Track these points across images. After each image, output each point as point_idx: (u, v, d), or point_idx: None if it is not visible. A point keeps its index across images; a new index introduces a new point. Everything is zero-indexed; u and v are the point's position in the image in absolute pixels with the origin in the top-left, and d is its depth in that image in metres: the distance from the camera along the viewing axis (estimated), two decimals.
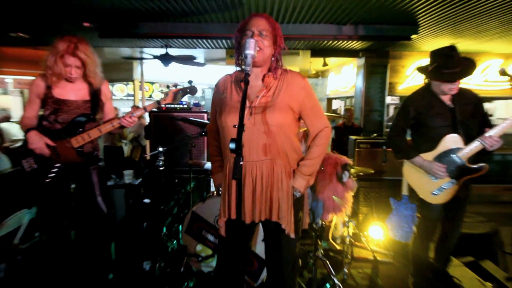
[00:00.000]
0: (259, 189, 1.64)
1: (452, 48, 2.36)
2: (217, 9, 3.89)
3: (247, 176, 1.62)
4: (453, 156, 2.38)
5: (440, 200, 2.46)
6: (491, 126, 2.41)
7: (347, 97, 8.53)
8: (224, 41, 5.02)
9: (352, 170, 2.98)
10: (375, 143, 4.24)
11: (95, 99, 2.34)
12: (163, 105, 2.29)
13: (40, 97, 2.27)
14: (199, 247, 2.74)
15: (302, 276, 2.80)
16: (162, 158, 2.86)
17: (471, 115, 2.42)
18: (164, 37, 4.90)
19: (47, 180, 2.26)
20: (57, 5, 3.74)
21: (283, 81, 1.69)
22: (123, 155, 6.07)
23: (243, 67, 1.66)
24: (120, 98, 9.79)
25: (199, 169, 3.37)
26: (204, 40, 5.20)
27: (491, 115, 8.44)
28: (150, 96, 9.84)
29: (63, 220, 2.44)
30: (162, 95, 2.30)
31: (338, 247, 3.26)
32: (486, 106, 8.18)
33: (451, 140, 2.38)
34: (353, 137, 4.34)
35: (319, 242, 2.73)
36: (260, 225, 1.78)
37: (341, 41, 5.16)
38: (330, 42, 5.25)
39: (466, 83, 5.77)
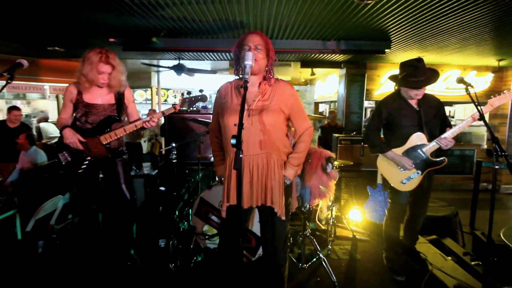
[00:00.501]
0: (255, 179, 1.65)
1: (418, 60, 2.35)
2: (223, 29, 3.87)
3: (245, 167, 1.63)
4: (419, 151, 2.39)
5: (408, 188, 2.46)
6: (450, 125, 2.42)
7: (331, 102, 8.50)
8: (227, 54, 4.99)
9: (335, 163, 2.98)
10: (354, 140, 4.24)
11: (120, 103, 2.33)
12: (176, 110, 2.29)
13: (72, 102, 2.27)
14: (206, 227, 2.74)
15: (293, 252, 2.81)
16: (175, 152, 2.85)
17: (434, 117, 2.43)
18: (177, 51, 4.87)
19: (80, 171, 2.26)
20: (89, 24, 3.74)
21: (276, 88, 1.70)
22: (141, 151, 6.05)
23: (241, 75, 1.68)
24: (140, 102, 9.75)
25: (206, 161, 3.37)
26: (210, 53, 5.17)
27: (452, 117, 8.45)
28: (165, 101, 9.79)
29: (92, 204, 2.44)
30: (177, 101, 2.28)
31: (323, 227, 3.27)
32: (448, 109, 8.22)
33: (417, 138, 2.39)
34: (336, 135, 4.34)
35: (307, 223, 2.73)
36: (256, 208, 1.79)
37: (326, 54, 5.15)
38: (317, 55, 5.24)
39: (431, 89, 5.78)
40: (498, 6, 2.84)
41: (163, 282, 2.36)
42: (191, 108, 4.00)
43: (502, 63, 5.66)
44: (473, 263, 2.71)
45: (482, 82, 6.19)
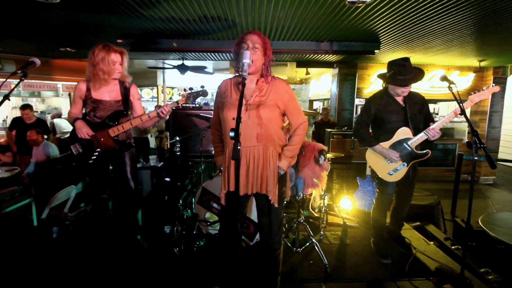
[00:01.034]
0: (251, 168, 1.65)
1: (405, 59, 2.34)
2: (223, 31, 3.84)
3: (243, 158, 1.63)
4: (405, 144, 2.39)
5: (394, 179, 2.47)
6: (433, 120, 2.42)
7: (325, 99, 8.48)
8: (228, 54, 4.96)
9: (328, 155, 2.98)
10: (345, 134, 4.24)
11: (126, 99, 2.32)
12: (180, 105, 2.28)
13: (82, 98, 2.26)
14: (207, 215, 2.74)
15: (288, 237, 2.82)
16: (179, 145, 2.84)
17: (419, 112, 2.42)
18: (181, 51, 4.84)
19: (90, 162, 2.26)
20: (99, 27, 3.71)
21: (272, 85, 1.70)
22: (148, 145, 6.03)
23: (240, 73, 1.66)
24: (147, 100, 9.69)
25: (208, 154, 3.36)
26: (212, 53, 5.13)
27: (436, 114, 8.45)
28: (170, 98, 9.73)
29: (103, 193, 2.44)
30: (181, 97, 2.29)
31: (316, 215, 3.28)
32: (432, 106, 8.21)
33: (403, 132, 2.39)
34: (329, 130, 4.34)
35: (301, 211, 2.73)
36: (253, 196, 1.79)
37: (319, 55, 5.11)
38: (311, 55, 5.21)
39: (416, 88, 5.76)
40: (479, 10, 2.82)
41: (168, 265, 2.37)
42: (194, 104, 3.98)
43: (483, 64, 5.64)
44: (453, 247, 2.74)
45: (464, 81, 6.18)
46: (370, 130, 2.61)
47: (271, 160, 1.67)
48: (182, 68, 5.81)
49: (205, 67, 6.37)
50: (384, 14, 3.03)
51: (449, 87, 2.05)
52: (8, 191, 2.96)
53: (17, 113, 7.28)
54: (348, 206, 3.45)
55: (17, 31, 3.96)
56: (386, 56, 5.16)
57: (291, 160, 1.75)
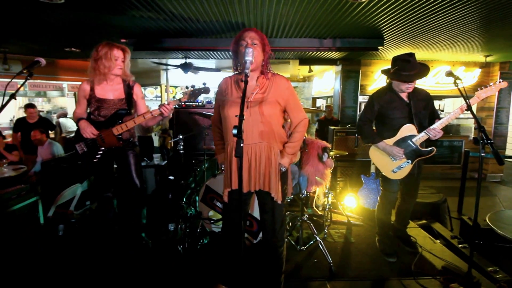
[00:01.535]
0: (253, 166, 1.64)
1: (410, 55, 2.29)
2: (225, 29, 3.82)
3: (244, 155, 1.61)
4: (409, 141, 2.34)
5: (398, 176, 2.43)
6: (439, 117, 2.37)
7: (328, 97, 8.43)
8: (231, 52, 4.94)
9: (331, 153, 2.95)
10: (349, 132, 4.20)
11: (129, 97, 2.32)
12: (183, 102, 2.27)
13: (86, 98, 2.27)
14: (211, 213, 2.73)
15: (292, 235, 2.79)
16: (182, 144, 2.83)
17: (424, 109, 2.37)
18: (184, 50, 4.83)
19: (95, 160, 2.27)
20: (103, 27, 3.72)
21: (272, 82, 1.68)
22: (152, 143, 6.06)
23: (240, 70, 1.67)
24: (150, 99, 9.73)
25: (211, 152, 3.35)
26: (215, 52, 5.12)
27: (441, 110, 8.34)
28: (174, 97, 9.77)
29: (108, 192, 2.45)
30: (183, 95, 2.28)
31: (320, 213, 3.26)
32: (437, 103, 8.10)
33: (407, 129, 2.34)
34: (332, 127, 4.30)
35: (305, 209, 2.71)
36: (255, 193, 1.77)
37: (322, 52, 5.06)
38: (314, 52, 5.16)
39: (421, 84, 5.69)
40: (485, 4, 2.76)
41: (172, 262, 2.37)
42: (196, 102, 3.97)
43: (489, 59, 5.54)
44: (460, 245, 2.69)
45: (470, 77, 6.08)
46: (374, 127, 2.57)
47: (273, 157, 1.65)
48: (189, 67, 5.80)
49: (216, 69, 6.36)
50: (388, 9, 2.98)
51: (455, 83, 2.00)
52: (15, 189, 2.98)
53: (24, 113, 7.35)
54: (353, 204, 3.41)
55: (22, 32, 3.99)
56: (389, 52, 5.09)
57: (293, 157, 1.73)
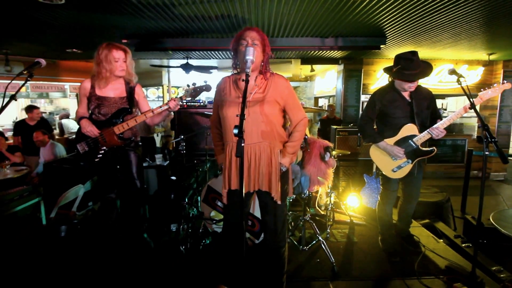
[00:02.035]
0: (253, 166, 1.64)
1: (413, 53, 2.27)
2: (226, 29, 3.81)
3: (244, 155, 1.59)
4: (410, 141, 2.33)
5: (398, 176, 2.42)
6: (440, 117, 2.35)
7: (330, 96, 8.40)
8: (231, 51, 4.93)
9: (334, 152, 2.94)
10: (351, 131, 4.19)
11: (131, 96, 2.31)
12: (184, 101, 2.26)
13: (86, 96, 2.26)
14: (213, 213, 2.73)
15: (294, 235, 2.79)
16: (184, 144, 2.83)
17: (426, 108, 2.36)
18: (185, 50, 4.83)
19: (96, 160, 2.27)
20: (104, 27, 3.73)
21: (271, 81, 1.67)
22: (155, 144, 6.08)
23: (239, 70, 1.67)
24: (152, 100, 9.74)
25: (213, 152, 3.34)
26: (216, 52, 5.12)
27: (444, 109, 8.29)
28: (177, 96, 9.79)
29: (111, 192, 2.44)
30: (184, 93, 2.27)
31: (322, 213, 3.24)
32: (440, 102, 8.05)
33: (409, 129, 2.33)
34: (335, 127, 4.29)
35: (307, 209, 2.70)
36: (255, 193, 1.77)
37: (324, 51, 5.05)
38: (316, 52, 5.15)
39: (424, 82, 5.65)
40: (489, 1, 2.73)
41: (175, 263, 2.37)
42: (198, 103, 3.97)
43: (492, 57, 5.50)
44: (463, 245, 2.67)
45: (473, 76, 6.04)
46: (375, 126, 2.56)
47: (273, 157, 1.65)
48: (187, 67, 5.81)
49: (214, 67, 6.36)
50: (390, 7, 2.96)
51: (458, 81, 1.98)
52: (17, 191, 2.99)
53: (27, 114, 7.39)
54: (355, 204, 3.40)
55: (23, 33, 4.00)
56: (392, 51, 5.07)
57: (293, 156, 1.73)
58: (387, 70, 2.41)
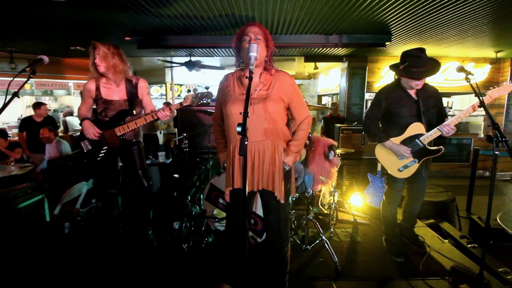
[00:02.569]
0: (256, 164, 1.61)
1: (421, 50, 2.22)
2: (230, 26, 3.78)
3: (248, 153, 1.58)
4: (417, 140, 2.28)
5: (404, 175, 2.37)
6: (446, 116, 2.30)
7: (334, 94, 8.34)
8: (233, 48, 4.89)
9: (338, 151, 2.91)
10: (355, 129, 4.14)
11: (132, 97, 2.31)
12: (183, 106, 2.30)
13: (92, 97, 2.29)
14: (215, 211, 2.71)
15: (297, 234, 2.77)
16: (187, 142, 2.81)
17: (433, 107, 2.31)
18: (188, 47, 4.81)
19: (98, 158, 2.29)
20: (107, 25, 3.72)
21: (276, 78, 1.64)
22: (158, 141, 6.08)
23: (243, 66, 1.65)
24: (156, 97, 9.75)
25: (215, 150, 3.32)
26: (219, 49, 5.09)
27: (450, 108, 8.18)
28: (179, 95, 9.75)
29: (112, 188, 2.45)
30: (188, 95, 2.28)
31: (326, 212, 3.22)
32: (446, 100, 7.94)
33: (415, 128, 2.28)
34: (338, 125, 4.25)
35: (311, 208, 2.68)
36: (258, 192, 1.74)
37: (328, 48, 5.00)
38: (320, 49, 5.10)
39: (429, 81, 5.56)
40: None
41: (177, 261, 2.35)
42: (201, 101, 3.93)
43: (499, 55, 5.41)
44: (469, 245, 2.62)
45: (480, 74, 5.95)
46: (380, 125, 2.51)
47: (277, 155, 1.62)
48: (190, 65, 5.78)
49: (218, 67, 6.33)
50: (396, 4, 2.91)
51: (467, 78, 1.93)
52: (21, 187, 3.00)
53: (31, 112, 7.43)
54: (359, 203, 3.37)
55: (27, 30, 4.00)
56: (397, 48, 5.00)
57: (297, 155, 1.70)
58: (394, 67, 2.35)
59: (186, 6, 3.00)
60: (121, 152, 2.37)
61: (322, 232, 2.55)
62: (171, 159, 3.88)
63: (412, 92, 2.31)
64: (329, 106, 6.70)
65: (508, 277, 2.13)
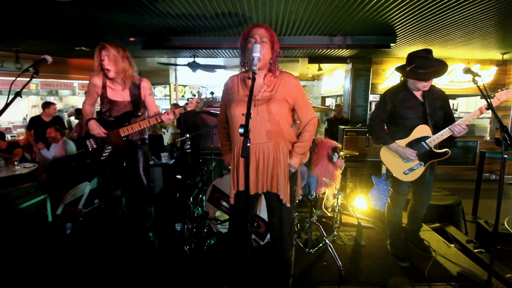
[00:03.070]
0: (261, 166, 1.58)
1: (428, 51, 2.18)
2: (233, 26, 3.77)
3: (252, 155, 1.56)
4: (423, 143, 2.24)
5: (410, 178, 2.33)
6: (454, 120, 2.25)
7: (338, 96, 8.29)
8: (239, 49, 4.87)
9: (341, 153, 2.86)
10: (359, 131, 4.10)
11: (136, 99, 2.30)
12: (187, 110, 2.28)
13: (98, 94, 2.28)
14: (218, 213, 2.69)
15: (300, 237, 2.73)
16: (189, 143, 2.79)
17: (439, 109, 2.26)
18: (192, 48, 4.80)
19: (102, 158, 2.29)
20: (111, 25, 3.73)
21: (280, 79, 1.62)
22: (162, 142, 6.08)
23: (247, 68, 1.62)
24: (160, 98, 9.77)
25: (218, 152, 3.30)
26: (223, 50, 5.08)
27: (455, 110, 8.09)
28: (182, 96, 9.76)
29: (116, 190, 2.44)
30: (192, 98, 2.26)
31: (329, 214, 3.17)
32: (451, 102, 7.85)
33: (422, 130, 2.24)
34: (342, 127, 4.21)
35: (314, 210, 2.64)
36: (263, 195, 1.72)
37: (332, 50, 4.97)
38: (324, 50, 5.06)
39: (435, 82, 5.49)
40: None
41: (178, 263, 2.33)
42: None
43: (506, 57, 5.33)
44: (476, 250, 2.57)
45: (485, 76, 5.88)
46: (385, 127, 2.47)
47: (282, 157, 1.59)
48: (193, 66, 5.78)
49: (221, 66, 6.32)
50: (401, 5, 2.87)
51: (474, 80, 1.89)
52: (24, 187, 3.00)
53: (36, 112, 7.48)
54: (363, 206, 3.32)
55: (33, 30, 4.02)
56: (402, 50, 4.95)
57: (302, 157, 1.67)
58: (400, 69, 2.31)
59: (189, 5, 2.99)
60: (126, 153, 2.36)
61: (325, 235, 2.51)
62: (174, 160, 3.86)
63: (418, 94, 2.27)
64: (333, 108, 6.64)
65: None
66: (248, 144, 1.21)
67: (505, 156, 1.56)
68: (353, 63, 5.80)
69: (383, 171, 3.63)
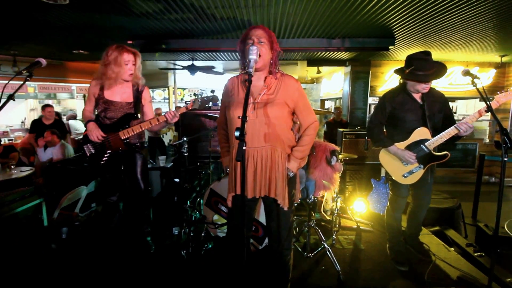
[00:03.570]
0: (259, 170, 1.56)
1: (426, 53, 2.18)
2: (232, 29, 3.77)
3: (250, 159, 1.54)
4: (422, 146, 2.23)
5: (409, 181, 2.31)
6: (455, 122, 2.23)
7: (337, 98, 8.30)
8: (237, 53, 4.88)
9: (340, 156, 2.85)
10: (358, 134, 4.09)
11: (137, 101, 2.29)
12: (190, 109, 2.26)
13: (95, 96, 2.26)
14: (215, 217, 2.66)
15: (299, 241, 2.70)
16: (186, 146, 2.77)
17: (438, 111, 2.25)
18: (190, 51, 4.80)
19: (102, 162, 2.25)
20: (109, 29, 3.72)
21: (281, 82, 1.60)
22: (164, 144, 6.07)
23: (246, 70, 1.59)
24: (158, 101, 9.76)
25: (216, 155, 3.28)
26: (222, 53, 5.08)
27: (454, 113, 8.10)
28: (182, 99, 9.77)
29: (113, 195, 2.42)
30: (191, 99, 2.25)
31: (328, 218, 3.14)
32: (450, 104, 7.86)
33: (421, 133, 2.23)
34: (341, 130, 4.20)
35: (312, 214, 2.61)
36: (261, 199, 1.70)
37: (331, 52, 4.96)
38: (322, 53, 5.06)
39: (434, 85, 5.50)
40: (502, 1, 2.62)
41: (175, 268, 2.30)
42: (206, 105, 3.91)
43: (504, 59, 5.34)
44: (476, 254, 2.55)
45: (484, 78, 5.89)
46: (384, 130, 2.46)
47: (280, 161, 1.57)
48: (193, 69, 5.78)
49: (213, 67, 6.32)
50: (399, 7, 2.88)
51: (473, 83, 1.88)
52: (19, 192, 2.97)
53: (35, 115, 7.46)
54: (362, 209, 3.30)
55: (30, 34, 4.02)
56: (400, 52, 4.96)
57: (301, 161, 1.64)
58: (399, 71, 2.30)
59: (188, 9, 2.99)
60: (124, 156, 2.34)
61: (324, 239, 2.48)
62: (172, 164, 3.84)
63: (417, 97, 2.26)
64: (332, 111, 6.64)
65: None
66: (244, 148, 1.19)
67: (505, 159, 1.55)
68: (352, 65, 5.81)
69: (382, 174, 3.62)
